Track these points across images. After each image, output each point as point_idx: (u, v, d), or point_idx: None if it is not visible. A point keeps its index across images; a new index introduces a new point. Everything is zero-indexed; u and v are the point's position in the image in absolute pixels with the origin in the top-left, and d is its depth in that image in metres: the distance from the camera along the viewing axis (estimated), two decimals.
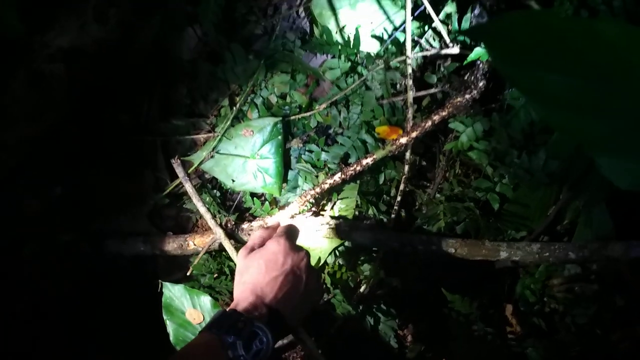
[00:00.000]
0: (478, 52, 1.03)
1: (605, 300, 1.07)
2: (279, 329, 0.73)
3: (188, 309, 1.04)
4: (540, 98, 0.39)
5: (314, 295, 0.81)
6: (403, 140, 1.14)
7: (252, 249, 0.84)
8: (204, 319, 1.03)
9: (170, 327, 1.04)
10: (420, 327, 1.21)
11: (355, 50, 1.21)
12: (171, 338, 1.04)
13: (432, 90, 1.18)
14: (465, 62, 1.05)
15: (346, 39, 1.21)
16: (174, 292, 1.06)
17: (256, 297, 0.75)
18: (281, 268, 0.79)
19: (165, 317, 1.05)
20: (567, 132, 0.39)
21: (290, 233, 0.87)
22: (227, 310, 0.73)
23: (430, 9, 1.09)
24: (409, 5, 1.06)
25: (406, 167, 1.18)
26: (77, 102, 1.30)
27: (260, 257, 0.81)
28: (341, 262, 1.26)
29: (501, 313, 1.17)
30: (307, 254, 0.83)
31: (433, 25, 1.13)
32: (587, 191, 1.07)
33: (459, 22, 1.11)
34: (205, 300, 1.04)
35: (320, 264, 1.26)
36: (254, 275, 0.78)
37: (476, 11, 1.09)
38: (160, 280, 1.09)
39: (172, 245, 1.31)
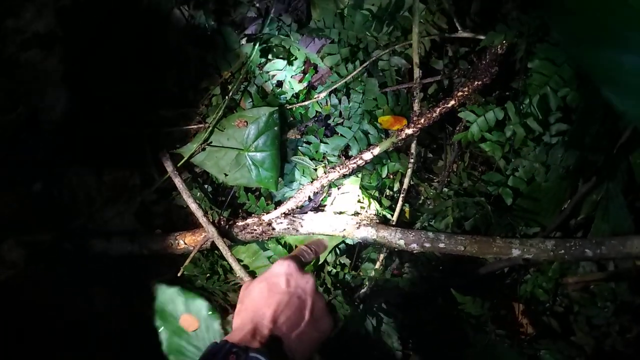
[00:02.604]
0: (492, 35, 0.96)
1: (622, 300, 1.01)
2: (282, 356, 0.66)
3: (182, 315, 0.96)
4: (617, 84, 0.32)
5: (321, 324, 0.73)
6: (408, 130, 1.07)
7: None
8: (199, 326, 0.95)
9: (163, 335, 0.96)
10: (427, 328, 1.15)
11: (357, 34, 1.13)
12: (164, 347, 0.96)
13: (440, 77, 1.10)
14: (477, 48, 0.98)
15: (346, 21, 1.12)
16: (168, 295, 0.98)
17: (256, 323, 0.68)
18: (285, 289, 0.72)
19: (157, 324, 0.96)
20: None
21: (300, 255, 0.81)
22: (219, 341, 0.64)
23: None
24: None
25: (411, 160, 1.11)
26: (54, 91, 1.21)
27: (262, 279, 0.75)
28: (342, 261, 1.19)
29: (512, 313, 1.11)
30: (313, 278, 0.76)
31: (441, 6, 1.05)
32: (604, 184, 1.01)
33: (470, 2, 1.03)
34: (201, 305, 0.96)
35: (320, 263, 1.19)
36: (256, 299, 0.72)
37: None
38: (154, 281, 1.01)
39: (161, 244, 1.23)
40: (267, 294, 0.72)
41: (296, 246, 0.90)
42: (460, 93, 1.02)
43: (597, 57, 0.32)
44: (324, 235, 1.16)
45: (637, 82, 0.31)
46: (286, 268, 0.76)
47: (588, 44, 0.33)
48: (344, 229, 1.11)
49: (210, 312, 0.96)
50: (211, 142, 1.20)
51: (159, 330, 0.97)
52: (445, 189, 1.12)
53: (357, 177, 1.17)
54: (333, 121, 1.21)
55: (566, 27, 0.33)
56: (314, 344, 0.72)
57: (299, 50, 1.18)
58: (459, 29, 1.05)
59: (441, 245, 1.06)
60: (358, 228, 1.10)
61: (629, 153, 0.97)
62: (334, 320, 0.75)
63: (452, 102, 1.04)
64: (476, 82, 1.01)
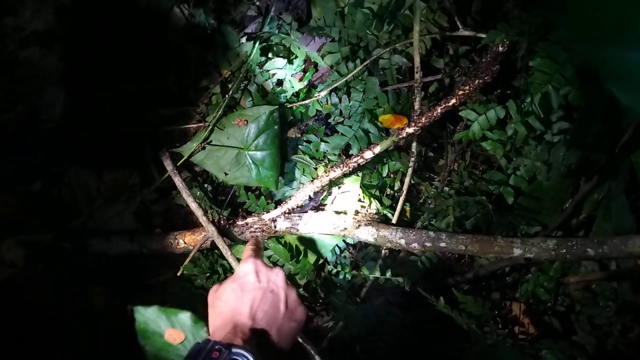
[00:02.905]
0: (493, 34, 0.95)
1: (624, 299, 1.01)
2: (266, 350, 0.65)
3: (167, 330, 0.95)
4: (624, 81, 0.31)
5: (296, 314, 0.74)
6: (409, 129, 1.06)
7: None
8: (185, 337, 0.95)
9: (149, 353, 0.95)
10: (428, 328, 1.14)
11: (357, 33, 1.12)
12: None
13: (441, 76, 1.10)
14: (479, 46, 0.97)
15: (347, 19, 1.12)
16: (147, 316, 0.97)
17: (235, 322, 0.67)
18: (258, 285, 0.73)
19: (141, 343, 0.96)
20: None
21: (257, 250, 0.81)
22: (202, 341, 0.64)
23: None
24: None
25: (412, 159, 1.10)
26: (54, 90, 1.20)
27: (232, 281, 0.75)
28: (343, 260, 1.18)
29: (513, 313, 1.10)
30: (282, 271, 0.76)
31: (442, 4, 1.05)
32: (606, 183, 1.01)
33: (471, 1, 1.03)
34: (185, 317, 0.95)
35: (320, 262, 1.18)
36: (229, 300, 0.72)
37: None
38: (129, 306, 1.01)
39: (160, 244, 1.22)
40: (241, 292, 0.72)
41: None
42: (461, 92, 1.02)
43: (603, 54, 0.32)
44: (325, 235, 1.16)
45: None
46: (253, 266, 0.76)
47: (593, 41, 0.32)
48: (345, 228, 1.11)
49: (195, 323, 0.96)
50: (211, 141, 1.19)
51: (144, 350, 0.97)
52: (446, 188, 1.12)
53: (358, 176, 1.17)
54: (333, 120, 1.20)
55: (570, 24, 0.33)
56: (293, 334, 0.73)
57: (299, 48, 1.18)
58: (460, 27, 1.04)
59: (442, 244, 1.05)
60: (358, 227, 1.10)
61: (631, 152, 0.97)
62: (306, 309, 0.75)
63: (453, 101, 1.03)
64: (477, 81, 1.01)
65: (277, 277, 0.75)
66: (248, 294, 0.71)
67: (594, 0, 0.34)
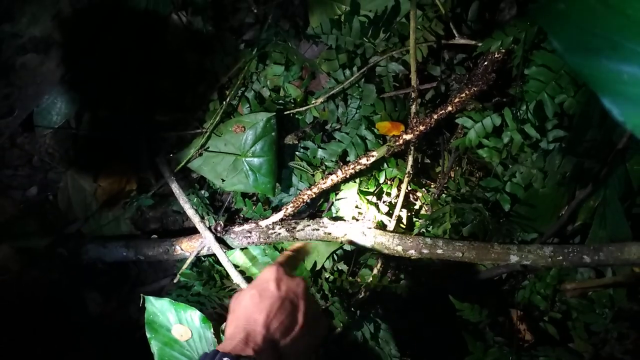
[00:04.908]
0: (488, 42, 0.96)
1: (621, 306, 1.01)
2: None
3: (174, 325, 0.95)
4: (616, 94, 0.32)
5: (316, 327, 0.71)
6: (406, 136, 1.07)
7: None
8: (192, 335, 0.95)
9: (154, 347, 0.95)
10: (425, 334, 1.14)
11: (354, 40, 1.13)
12: (155, 358, 0.95)
13: (437, 83, 1.10)
14: (474, 54, 0.98)
15: (344, 27, 1.12)
16: (158, 307, 0.97)
17: (248, 330, 0.66)
18: (276, 294, 0.71)
19: (148, 335, 0.95)
20: None
21: (288, 261, 0.80)
22: (209, 351, 0.63)
23: None
24: None
25: (409, 165, 1.10)
26: (51, 95, 1.20)
27: (252, 287, 0.73)
28: (340, 267, 1.18)
29: (510, 320, 1.10)
30: (304, 281, 0.74)
31: (438, 12, 1.05)
32: (601, 190, 1.01)
33: (467, 9, 1.04)
34: (194, 315, 0.95)
35: (317, 269, 1.18)
36: (247, 306, 0.70)
37: None
38: (142, 294, 1.00)
39: (157, 250, 1.22)
40: (259, 300, 0.70)
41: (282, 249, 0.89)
42: (457, 99, 1.02)
43: (596, 66, 0.32)
44: (322, 241, 1.15)
45: (635, 92, 0.31)
46: (275, 273, 0.74)
47: (586, 53, 0.33)
48: (343, 235, 1.11)
49: (203, 322, 0.95)
50: (208, 148, 1.19)
51: (150, 343, 0.96)
52: (443, 195, 1.12)
53: (355, 182, 1.17)
54: (330, 127, 1.20)
55: (563, 35, 0.33)
56: (310, 347, 0.70)
57: (296, 56, 1.18)
58: (456, 35, 1.05)
59: (439, 251, 1.05)
60: (355, 234, 1.10)
61: (626, 160, 0.97)
62: (327, 323, 0.73)
63: (450, 108, 1.04)
64: (473, 88, 1.01)
65: (298, 287, 0.73)
66: (265, 301, 0.69)
67: (588, 12, 0.34)
